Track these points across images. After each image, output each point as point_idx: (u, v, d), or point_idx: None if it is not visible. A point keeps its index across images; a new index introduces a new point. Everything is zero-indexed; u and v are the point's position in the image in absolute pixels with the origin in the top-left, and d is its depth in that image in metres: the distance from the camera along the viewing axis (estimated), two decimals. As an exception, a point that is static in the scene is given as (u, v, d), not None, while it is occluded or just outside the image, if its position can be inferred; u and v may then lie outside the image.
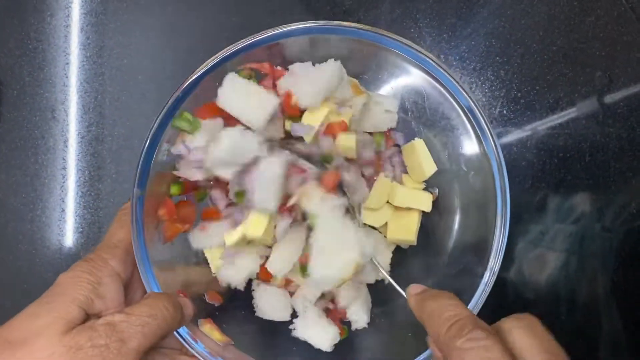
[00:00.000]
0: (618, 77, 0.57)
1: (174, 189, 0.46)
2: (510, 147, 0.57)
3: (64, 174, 0.57)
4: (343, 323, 0.49)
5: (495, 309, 0.42)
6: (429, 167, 0.49)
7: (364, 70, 0.50)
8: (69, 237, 0.57)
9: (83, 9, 0.58)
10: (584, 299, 0.57)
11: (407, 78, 0.48)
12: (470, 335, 0.30)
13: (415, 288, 0.38)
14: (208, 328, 0.44)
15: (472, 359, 0.29)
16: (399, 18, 0.57)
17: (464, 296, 0.45)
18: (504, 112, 0.57)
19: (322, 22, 0.45)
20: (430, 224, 0.51)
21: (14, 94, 0.58)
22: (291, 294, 0.49)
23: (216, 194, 0.47)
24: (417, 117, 0.50)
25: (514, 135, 0.57)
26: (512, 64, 0.57)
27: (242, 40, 0.44)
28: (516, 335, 0.31)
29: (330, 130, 0.45)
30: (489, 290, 0.44)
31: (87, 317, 0.37)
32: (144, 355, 0.39)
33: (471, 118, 0.46)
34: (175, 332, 0.42)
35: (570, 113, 0.57)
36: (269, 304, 0.47)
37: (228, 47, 0.44)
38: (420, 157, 0.49)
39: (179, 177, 0.45)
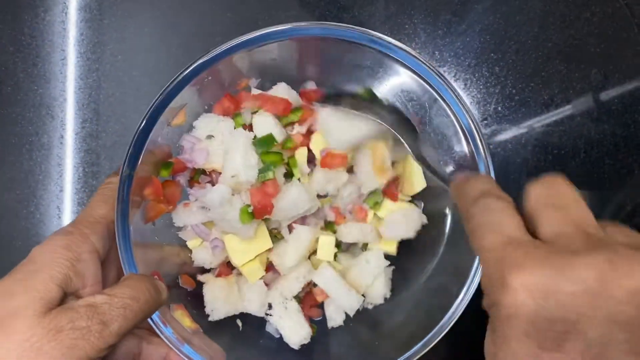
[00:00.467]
0: (613, 73, 0.57)
1: (164, 172, 0.45)
2: (505, 144, 0.57)
3: (58, 170, 0.57)
4: (312, 322, 0.49)
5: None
6: (419, 184, 0.49)
7: (371, 76, 0.49)
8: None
9: (77, 5, 0.58)
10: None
11: (412, 90, 0.48)
12: (479, 202, 0.30)
13: (458, 178, 0.36)
14: (179, 314, 0.44)
15: (476, 221, 0.29)
16: (394, 14, 0.57)
17: (439, 312, 0.44)
18: (499, 108, 0.57)
19: (332, 24, 0.44)
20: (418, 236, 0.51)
21: (8, 90, 0.57)
22: (266, 284, 0.49)
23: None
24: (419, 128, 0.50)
25: (509, 132, 0.57)
26: (506, 61, 0.57)
27: (240, 37, 0.43)
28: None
29: (327, 162, 0.46)
30: (462, 307, 0.43)
31: (65, 295, 0.35)
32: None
33: (470, 140, 0.45)
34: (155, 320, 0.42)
35: (564, 110, 0.57)
36: (247, 297, 0.48)
37: (231, 41, 0.43)
38: (413, 172, 0.49)
39: (170, 159, 0.46)
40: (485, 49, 0.57)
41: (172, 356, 0.42)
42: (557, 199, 0.28)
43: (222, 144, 0.46)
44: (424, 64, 0.44)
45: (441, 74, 0.44)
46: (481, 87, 0.57)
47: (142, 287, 0.37)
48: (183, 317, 0.44)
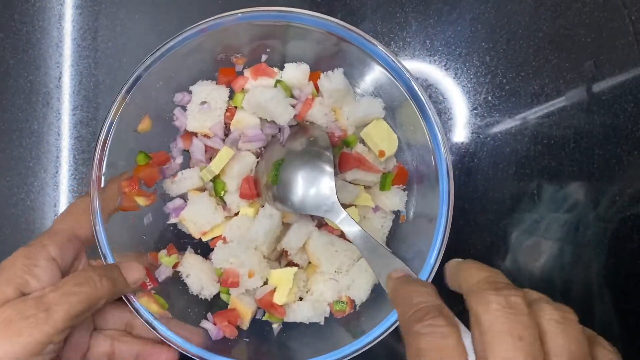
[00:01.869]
0: (603, 64, 0.57)
1: (140, 158, 0.48)
2: (494, 133, 0.57)
3: (48, 157, 0.57)
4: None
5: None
6: (393, 144, 0.50)
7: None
8: (53, 220, 0.57)
9: (68, -9, 0.58)
10: (577, 287, 0.57)
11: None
12: (430, 321, 0.30)
13: (397, 272, 0.39)
14: (145, 301, 0.45)
15: (426, 344, 0.29)
16: (385, 2, 0.57)
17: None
18: (489, 98, 0.57)
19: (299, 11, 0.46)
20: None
21: (-2, 77, 0.57)
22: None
23: (197, 144, 0.50)
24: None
25: (499, 122, 0.57)
26: (497, 50, 0.57)
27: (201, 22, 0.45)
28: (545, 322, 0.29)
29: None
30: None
31: (23, 295, 0.39)
32: (84, 332, 0.42)
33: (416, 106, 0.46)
34: (126, 301, 0.44)
35: (555, 100, 0.57)
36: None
37: (191, 26, 0.45)
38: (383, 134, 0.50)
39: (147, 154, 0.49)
40: (476, 38, 0.57)
41: (147, 351, 0.45)
42: (515, 328, 0.28)
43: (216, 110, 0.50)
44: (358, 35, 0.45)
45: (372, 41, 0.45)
46: (471, 76, 0.57)
47: (86, 275, 0.40)
48: (149, 304, 0.45)
